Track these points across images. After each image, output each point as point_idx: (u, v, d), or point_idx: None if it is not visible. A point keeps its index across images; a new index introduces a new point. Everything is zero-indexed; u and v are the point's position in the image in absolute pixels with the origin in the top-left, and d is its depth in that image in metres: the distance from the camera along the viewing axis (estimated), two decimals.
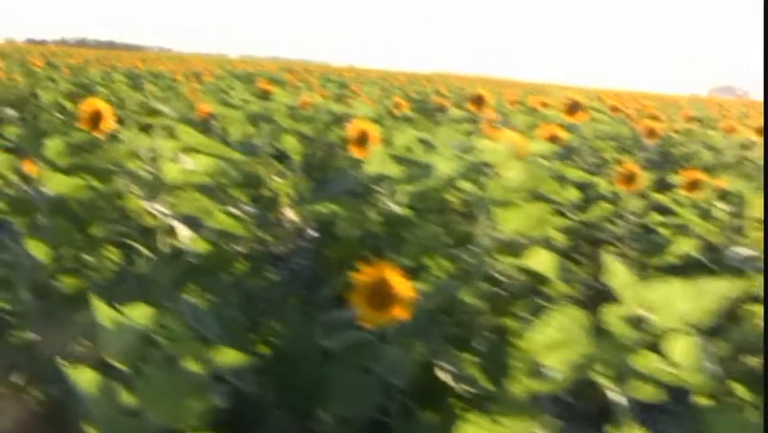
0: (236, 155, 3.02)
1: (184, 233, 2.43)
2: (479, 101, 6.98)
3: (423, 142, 4.23)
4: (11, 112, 8.94)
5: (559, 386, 1.89)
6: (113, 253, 2.61)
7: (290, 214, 5.19)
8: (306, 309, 3.55)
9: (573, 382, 1.89)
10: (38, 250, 2.68)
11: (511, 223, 2.65)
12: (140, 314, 1.60)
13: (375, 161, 3.53)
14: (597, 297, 3.90)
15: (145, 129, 3.18)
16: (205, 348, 1.60)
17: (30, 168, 2.95)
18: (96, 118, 3.82)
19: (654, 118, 10.11)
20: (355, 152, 4.11)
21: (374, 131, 4.11)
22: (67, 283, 2.78)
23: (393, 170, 3.51)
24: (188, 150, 2.59)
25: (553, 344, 1.86)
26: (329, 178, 4.64)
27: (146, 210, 2.58)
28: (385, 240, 3.51)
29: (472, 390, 2.49)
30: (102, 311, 1.58)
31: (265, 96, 6.11)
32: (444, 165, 2.82)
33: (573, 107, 5.80)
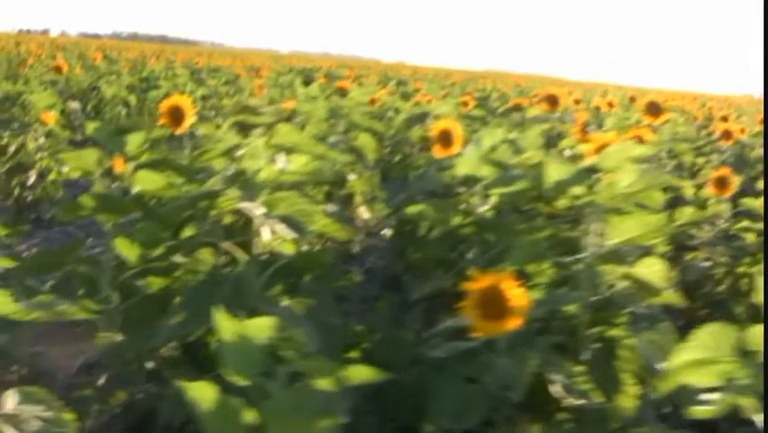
0: (335, 154, 2.91)
1: (284, 234, 2.32)
2: (553, 101, 6.84)
3: (511, 142, 4.11)
4: (75, 105, 8.91)
5: (714, 412, 1.74)
6: (205, 255, 2.50)
7: (364, 212, 5.09)
8: (395, 313, 3.45)
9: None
10: (125, 249, 2.59)
11: (625, 230, 2.52)
12: (262, 327, 1.49)
13: (467, 162, 3.40)
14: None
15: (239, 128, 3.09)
16: (333, 364, 1.48)
17: (118, 165, 2.86)
18: (176, 114, 3.74)
19: (725, 120, 9.88)
20: (438, 152, 3.99)
21: (458, 130, 3.99)
22: (153, 284, 2.69)
23: (486, 171, 3.38)
24: (286, 149, 2.49)
25: (697, 363, 1.72)
26: (408, 177, 4.53)
27: (242, 211, 2.47)
28: (475, 243, 3.40)
29: (582, 402, 2.36)
30: (224, 325, 1.47)
31: (341, 93, 6.01)
32: (555, 170, 2.68)
33: (654, 108, 5.62)
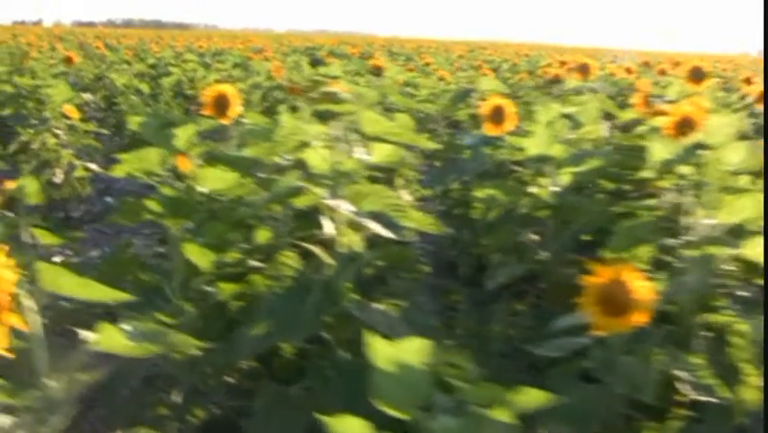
0: (424, 141, 2.72)
1: (378, 231, 2.13)
2: (585, 70, 6.62)
3: (568, 117, 3.92)
4: (88, 96, 8.71)
5: None
6: (287, 258, 2.31)
7: (405, 195, 4.91)
8: (474, 306, 3.27)
9: None
10: (196, 255, 2.41)
11: (738, 210, 2.33)
12: (417, 350, 1.30)
13: (538, 141, 3.21)
14: None
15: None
16: (503, 389, 1.30)
17: (182, 163, 2.66)
18: (222, 104, 3.55)
19: (749, 82, 9.65)
20: (490, 130, 3.80)
21: (510, 107, 3.80)
22: (226, 291, 2.50)
23: (558, 150, 3.20)
24: (371, 138, 2.30)
25: None
26: (456, 158, 4.33)
27: (327, 207, 2.29)
28: (550, 227, 3.22)
29: (708, 399, 2.18)
30: (379, 350, 1.28)
31: (376, 72, 5.81)
32: (660, 147, 2.49)
33: (698, 74, 5.40)
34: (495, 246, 3.39)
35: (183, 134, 2.97)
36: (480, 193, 3.30)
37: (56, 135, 5.78)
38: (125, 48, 20.52)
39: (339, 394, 2.18)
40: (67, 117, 5.66)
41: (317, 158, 2.93)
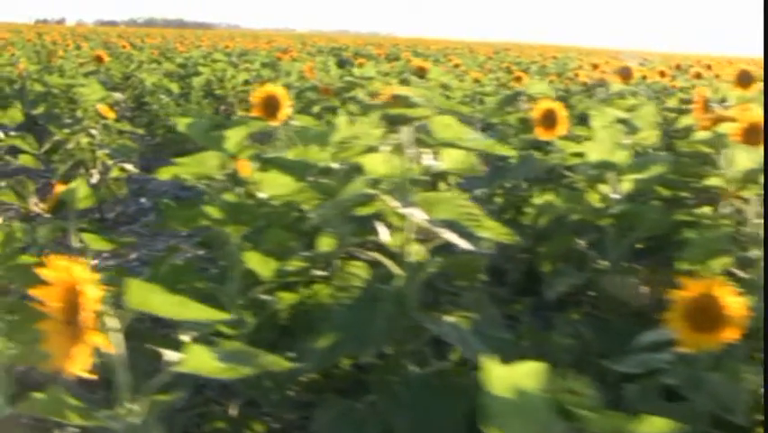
0: (500, 148, 2.63)
1: (456, 242, 2.03)
2: (626, 74, 6.53)
3: (624, 122, 3.82)
4: (118, 95, 8.64)
5: None
6: (356, 267, 2.22)
7: None
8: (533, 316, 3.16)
9: None
10: (257, 264, 2.32)
11: None
12: (534, 373, 1.20)
13: (599, 146, 3.11)
14: None
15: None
16: (626, 417, 1.20)
17: (242, 167, 2.57)
18: (272, 105, 3.47)
19: None
20: (541, 134, 3.70)
21: (562, 111, 3.70)
22: (285, 300, 2.41)
23: (621, 156, 3.09)
24: (444, 143, 2.20)
25: None
26: (505, 163, 4.23)
27: (396, 215, 2.19)
28: (609, 234, 3.11)
29: None
30: (495, 374, 1.18)
31: (420, 74, 5.71)
32: (744, 156, 2.38)
33: (746, 78, 5.27)
34: (549, 254, 3.29)
35: (234, 137, 2.89)
36: (538, 199, 3.20)
37: (91, 135, 5.70)
38: (150, 47, 20.49)
39: (408, 410, 2.09)
40: (102, 117, 5.58)
41: (380, 163, 2.84)
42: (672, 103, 6.77)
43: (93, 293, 1.20)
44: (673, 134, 4.19)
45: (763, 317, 2.30)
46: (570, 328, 2.80)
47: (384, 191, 2.18)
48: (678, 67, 13.83)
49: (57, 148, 6.02)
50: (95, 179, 5.50)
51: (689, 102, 8.12)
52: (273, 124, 3.49)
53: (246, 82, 10.42)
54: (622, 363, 2.12)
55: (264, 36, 45.20)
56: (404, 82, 9.05)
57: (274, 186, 2.41)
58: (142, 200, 6.29)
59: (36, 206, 5.09)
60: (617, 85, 5.60)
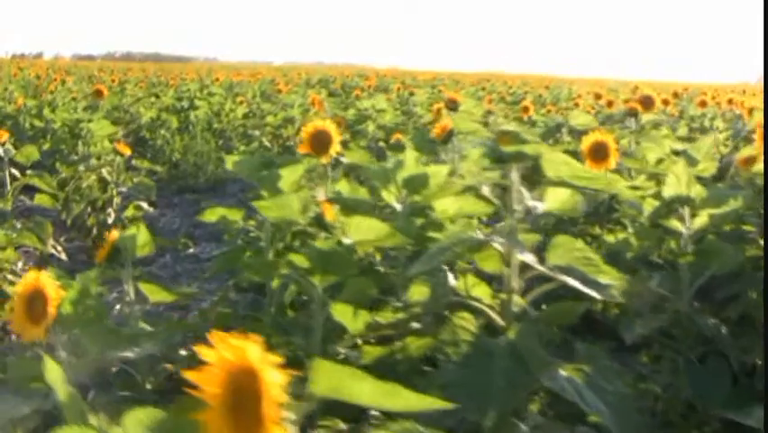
0: (623, 189, 2.47)
1: (584, 291, 1.86)
2: (649, 103, 6.39)
3: (680, 154, 3.68)
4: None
5: None
6: (465, 319, 2.03)
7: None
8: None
9: None
10: (346, 317, 2.15)
11: None
12: None
13: (676, 181, 2.95)
14: None
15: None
16: None
17: (327, 211, 2.39)
18: (322, 141, 3.32)
19: None
20: (592, 167, 3.55)
21: (611, 142, 3.55)
22: (370, 354, 2.23)
23: (697, 190, 2.94)
24: (555, 183, 2.03)
25: None
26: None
27: (501, 262, 2.02)
28: (683, 272, 2.96)
29: None
30: None
31: (452, 106, 5.56)
32: None
33: None
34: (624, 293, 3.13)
35: (289, 176, 2.73)
36: (611, 237, 3.04)
37: (106, 173, 5.51)
38: (136, 80, 20.29)
39: None
40: (120, 154, 5.38)
41: (451, 204, 2.68)
42: (682, 131, 6.66)
43: (275, 379, 1.01)
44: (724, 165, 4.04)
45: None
46: (665, 375, 2.65)
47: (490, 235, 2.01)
48: (676, 94, 13.76)
49: (63, 186, 5.81)
50: (111, 218, 5.31)
51: (699, 130, 7.99)
52: (323, 161, 3.34)
53: (245, 115, 10.26)
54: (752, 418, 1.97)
55: (245, 69, 44.98)
56: (408, 114, 8.92)
57: (362, 230, 2.23)
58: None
59: (53, 248, 4.90)
60: (649, 115, 5.46)
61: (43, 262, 4.80)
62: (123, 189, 5.44)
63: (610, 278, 1.96)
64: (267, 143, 8.82)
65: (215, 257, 3.32)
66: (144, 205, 5.41)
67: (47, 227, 4.34)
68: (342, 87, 19.48)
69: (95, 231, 5.37)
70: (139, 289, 2.63)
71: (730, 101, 11.42)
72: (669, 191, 2.99)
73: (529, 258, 1.91)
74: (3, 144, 4.64)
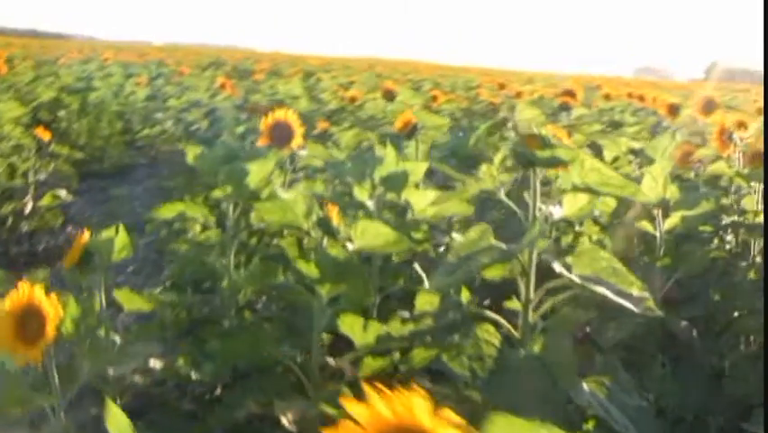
0: (645, 196, 2.39)
1: (620, 303, 1.78)
2: (570, 95, 6.41)
3: (637, 153, 3.65)
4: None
5: None
6: (488, 332, 1.93)
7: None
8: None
9: None
10: (354, 330, 2.04)
11: None
12: None
13: (653, 182, 2.90)
14: None
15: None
16: None
17: (333, 213, 2.25)
18: (283, 133, 3.20)
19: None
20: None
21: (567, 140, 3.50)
22: (368, 366, 2.12)
23: (672, 191, 2.91)
24: (582, 189, 1.94)
25: None
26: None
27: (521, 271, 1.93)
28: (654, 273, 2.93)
29: None
30: None
31: (389, 96, 5.42)
32: None
33: (710, 105, 5.16)
34: None
35: (259, 172, 2.59)
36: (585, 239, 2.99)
37: (22, 160, 5.22)
38: (21, 56, 19.49)
39: None
40: (41, 139, 5.11)
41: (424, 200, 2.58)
42: (596, 126, 6.69)
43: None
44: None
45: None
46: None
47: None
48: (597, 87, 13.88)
49: None
50: (28, 208, 5.04)
51: (611, 124, 8.05)
52: (284, 153, 3.21)
53: (148, 98, 9.94)
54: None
55: (127, 48, 43.78)
56: (317, 101, 8.76)
57: (367, 236, 2.11)
58: (68, 229, 5.81)
59: None
60: (581, 109, 5.45)
61: None
62: (41, 177, 5.16)
63: (637, 288, 1.89)
64: (171, 128, 8.53)
65: (173, 258, 3.13)
66: (63, 193, 5.16)
67: None
68: (235, 70, 19.12)
69: (10, 221, 5.08)
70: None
71: (630, 94, 11.56)
72: (648, 192, 2.95)
73: (559, 268, 1.82)
74: None
